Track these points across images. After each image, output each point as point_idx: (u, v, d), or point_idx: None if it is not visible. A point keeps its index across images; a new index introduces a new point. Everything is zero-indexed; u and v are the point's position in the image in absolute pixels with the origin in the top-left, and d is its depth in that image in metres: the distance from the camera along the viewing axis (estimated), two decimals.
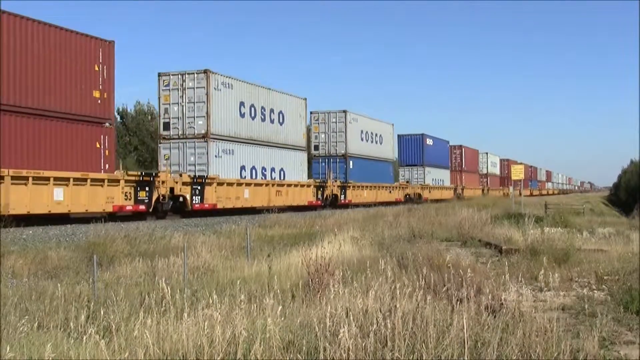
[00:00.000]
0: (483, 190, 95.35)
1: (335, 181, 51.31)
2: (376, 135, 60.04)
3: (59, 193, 25.61)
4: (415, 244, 18.85)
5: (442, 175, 79.47)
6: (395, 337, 7.22)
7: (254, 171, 40.30)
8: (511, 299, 9.96)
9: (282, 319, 8.22)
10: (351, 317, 7.68)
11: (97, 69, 28.42)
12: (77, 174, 26.44)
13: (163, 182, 31.85)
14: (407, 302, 8.61)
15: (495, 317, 8.88)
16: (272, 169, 42.47)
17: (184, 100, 35.97)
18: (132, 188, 29.74)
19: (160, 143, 37.09)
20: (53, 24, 26.52)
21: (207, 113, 35.64)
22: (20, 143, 24.66)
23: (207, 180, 34.81)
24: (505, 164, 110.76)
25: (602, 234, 25.07)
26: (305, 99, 47.80)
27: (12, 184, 23.54)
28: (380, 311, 8.07)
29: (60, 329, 8.83)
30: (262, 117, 41.16)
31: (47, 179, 25.05)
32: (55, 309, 9.82)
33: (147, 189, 30.72)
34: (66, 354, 7.41)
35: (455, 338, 7.37)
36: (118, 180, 28.71)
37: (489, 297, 9.86)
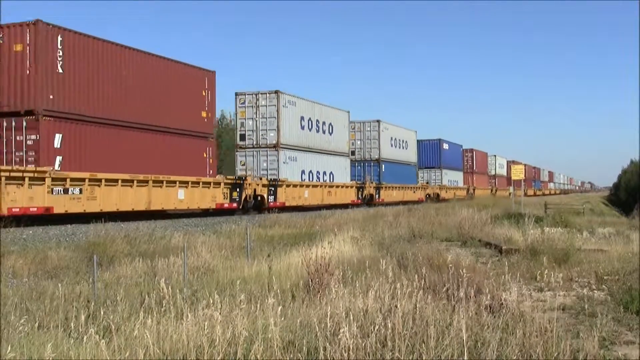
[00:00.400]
0: (492, 190, 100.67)
1: (372, 183, 58.80)
2: (403, 141, 68.09)
3: (181, 193, 32.96)
4: (415, 244, 18.86)
5: (457, 177, 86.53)
6: (395, 337, 7.22)
7: (311, 175, 47.81)
8: (511, 299, 9.96)
9: (282, 319, 8.23)
10: (351, 317, 7.68)
11: (203, 94, 36.36)
12: (193, 178, 33.88)
13: (249, 184, 39.11)
14: (407, 302, 8.61)
15: (495, 317, 8.89)
16: (324, 173, 50.08)
17: (257, 116, 43.18)
18: (228, 189, 37.23)
19: (237, 151, 44.08)
20: (172, 59, 34.19)
21: (277, 127, 42.84)
22: (152, 154, 31.60)
23: (279, 183, 42.07)
24: (512, 165, 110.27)
25: (602, 234, 25.06)
26: (348, 112, 55.47)
27: (152, 186, 30.64)
28: (380, 311, 8.08)
29: (60, 329, 8.83)
30: (317, 128, 48.84)
31: (175, 182, 32.36)
32: (56, 309, 9.82)
33: (237, 190, 38.10)
34: (66, 354, 7.41)
35: (455, 338, 7.38)
36: (219, 183, 36.31)
37: (489, 297, 9.87)
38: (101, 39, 29.39)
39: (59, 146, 26.46)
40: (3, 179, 23.37)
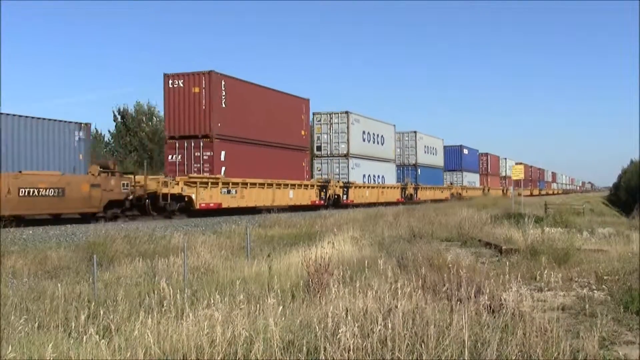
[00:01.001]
0: (503, 190, 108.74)
1: (411, 184, 69.24)
2: (433, 148, 78.06)
3: (291, 193, 44.02)
4: (415, 244, 18.83)
5: (474, 179, 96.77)
6: (395, 337, 7.23)
7: (369, 178, 57.82)
8: (511, 299, 9.96)
9: (282, 319, 8.23)
10: (351, 317, 7.69)
11: (302, 117, 47.42)
12: (298, 182, 45.20)
13: (332, 186, 50.11)
14: (406, 302, 8.62)
15: (495, 317, 8.89)
16: (378, 176, 60.20)
17: (330, 131, 53.54)
18: (318, 190, 48.28)
19: (314, 159, 53.39)
20: (283, 92, 44.81)
21: (347, 140, 53.16)
22: (273, 163, 41.85)
23: (349, 185, 52.69)
24: (512, 165, 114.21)
25: (602, 234, 25.05)
26: (394, 125, 65.53)
27: (275, 188, 41.73)
28: (380, 311, 8.08)
29: (60, 329, 8.84)
30: (373, 140, 58.82)
31: (287, 184, 43.37)
32: (56, 309, 9.82)
33: (324, 190, 49.09)
34: (66, 354, 7.41)
35: (455, 338, 7.39)
36: (313, 185, 47.89)
37: (489, 297, 9.87)
38: (245, 80, 39.74)
39: (223, 159, 36.88)
40: (198, 184, 34.42)
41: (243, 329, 7.48)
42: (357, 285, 10.02)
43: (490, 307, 9.50)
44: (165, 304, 9.31)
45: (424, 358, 7.00)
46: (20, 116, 27.05)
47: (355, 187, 53.99)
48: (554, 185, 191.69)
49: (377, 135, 60.04)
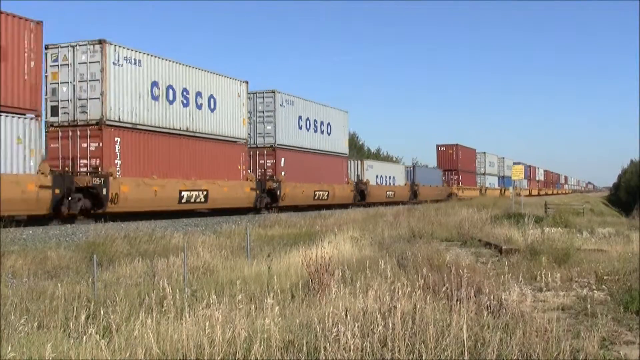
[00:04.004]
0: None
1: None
2: None
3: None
4: (415, 244, 18.84)
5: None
6: (395, 337, 7.23)
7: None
8: (511, 299, 9.96)
9: (282, 319, 8.23)
10: (351, 317, 7.69)
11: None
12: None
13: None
14: (406, 302, 8.62)
15: (495, 317, 8.89)
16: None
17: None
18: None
19: None
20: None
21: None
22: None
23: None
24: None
25: (602, 234, 25.06)
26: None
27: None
28: (380, 311, 8.08)
29: (60, 329, 8.82)
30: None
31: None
32: (55, 309, 9.81)
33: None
34: (66, 354, 7.40)
35: (455, 338, 7.38)
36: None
37: (489, 297, 9.87)
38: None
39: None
40: None
41: (243, 329, 7.48)
42: (357, 285, 10.02)
43: (490, 307, 9.50)
44: (165, 304, 9.31)
45: (423, 358, 7.00)
46: None
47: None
48: (566, 187, 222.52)
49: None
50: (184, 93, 34.09)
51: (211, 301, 8.60)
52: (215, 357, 7.03)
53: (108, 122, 28.62)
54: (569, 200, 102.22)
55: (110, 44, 29.07)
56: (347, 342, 6.90)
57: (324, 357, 6.93)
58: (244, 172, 38.25)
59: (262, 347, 7.12)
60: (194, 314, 8.39)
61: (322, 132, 48.96)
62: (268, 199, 40.80)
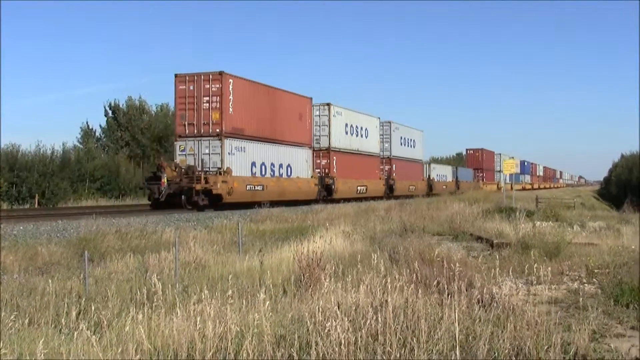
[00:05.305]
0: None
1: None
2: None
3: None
4: (407, 238, 18.86)
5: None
6: (386, 331, 7.24)
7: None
8: (502, 292, 9.99)
9: (274, 314, 8.23)
10: (343, 312, 7.69)
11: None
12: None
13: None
14: (398, 296, 8.63)
15: (486, 310, 8.91)
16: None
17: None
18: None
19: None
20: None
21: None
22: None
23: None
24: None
25: (592, 227, 25.13)
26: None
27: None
28: (372, 305, 8.09)
29: (51, 325, 8.81)
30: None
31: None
32: (46, 305, 9.79)
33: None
34: (57, 350, 7.39)
35: (447, 332, 7.40)
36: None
37: (480, 291, 9.89)
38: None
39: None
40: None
41: (234, 324, 7.48)
42: (349, 280, 10.02)
43: (482, 301, 9.52)
44: (156, 299, 9.29)
45: (415, 352, 7.01)
46: None
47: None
48: (561, 181, 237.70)
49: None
50: None
51: (203, 296, 8.59)
52: (207, 352, 7.03)
53: (332, 149, 50.15)
54: (561, 194, 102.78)
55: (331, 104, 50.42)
56: (338, 337, 6.90)
57: (315, 352, 6.93)
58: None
59: (253, 342, 7.12)
60: (186, 309, 8.38)
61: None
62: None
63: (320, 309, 7.80)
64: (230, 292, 8.75)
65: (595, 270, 14.20)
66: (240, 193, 36.54)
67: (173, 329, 7.50)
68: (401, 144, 68.19)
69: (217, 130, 35.53)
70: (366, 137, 57.50)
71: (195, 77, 36.04)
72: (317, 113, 49.14)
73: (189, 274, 13.52)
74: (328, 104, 49.95)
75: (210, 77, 35.87)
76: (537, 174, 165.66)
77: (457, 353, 7.03)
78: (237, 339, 7.28)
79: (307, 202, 42.65)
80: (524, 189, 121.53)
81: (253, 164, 38.75)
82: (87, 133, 68.81)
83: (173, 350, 7.24)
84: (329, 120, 49.65)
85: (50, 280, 11.09)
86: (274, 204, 36.89)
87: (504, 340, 7.40)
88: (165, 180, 33.85)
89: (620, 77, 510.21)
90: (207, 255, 16.13)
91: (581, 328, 8.06)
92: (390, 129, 65.07)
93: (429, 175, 79.42)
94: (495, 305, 9.28)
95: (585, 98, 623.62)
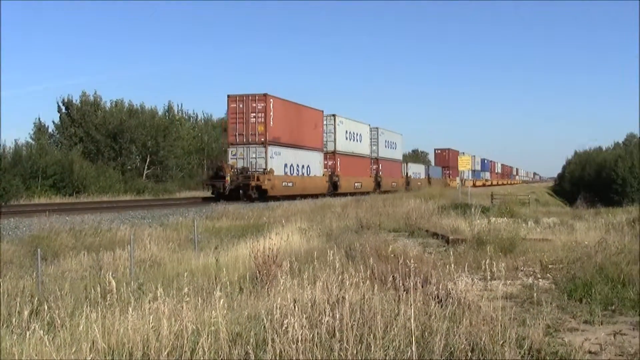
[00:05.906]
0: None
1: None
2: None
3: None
4: (363, 234, 18.91)
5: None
6: (343, 327, 7.23)
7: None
8: (458, 288, 10.05)
9: (230, 311, 8.17)
10: (299, 309, 7.67)
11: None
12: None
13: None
14: (354, 292, 8.64)
15: (442, 306, 8.95)
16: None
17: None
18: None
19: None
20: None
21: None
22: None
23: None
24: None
25: (546, 223, 25.47)
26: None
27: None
28: (328, 302, 8.08)
29: (2, 325, 8.65)
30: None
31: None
32: None
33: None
34: (9, 351, 7.25)
35: (403, 328, 7.42)
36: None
37: (437, 286, 9.94)
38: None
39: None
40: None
41: (190, 322, 7.42)
42: (305, 277, 10.00)
43: (438, 297, 9.57)
44: (110, 298, 9.17)
45: (372, 348, 7.02)
46: None
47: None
48: (517, 177, 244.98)
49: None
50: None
51: (158, 294, 8.50)
52: (162, 351, 6.96)
53: (337, 152, 59.61)
54: (516, 190, 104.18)
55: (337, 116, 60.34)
56: (295, 334, 6.88)
57: (272, 349, 6.90)
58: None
59: (209, 340, 7.07)
60: (141, 307, 8.29)
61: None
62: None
63: (277, 306, 7.76)
64: (186, 289, 8.66)
65: (550, 266, 14.38)
66: (279, 188, 45.49)
67: (128, 328, 7.40)
68: (386, 147, 76.63)
69: (262, 139, 44.32)
70: (360, 142, 66.78)
71: (244, 98, 44.75)
72: (326, 122, 58.12)
73: (145, 272, 13.42)
74: (334, 115, 59.72)
75: (257, 97, 44.68)
76: (496, 171, 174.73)
77: (414, 349, 7.05)
78: (193, 337, 7.22)
79: (318, 196, 48.93)
80: (484, 185, 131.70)
81: (285, 165, 47.71)
82: (40, 129, 67.77)
83: (128, 349, 7.15)
84: (335, 128, 59.49)
85: (1, 280, 10.90)
86: (297, 197, 44.63)
87: (459, 335, 7.44)
88: (229, 178, 42.06)
89: (574, 78, 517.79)
90: (162, 252, 16.02)
91: (535, 323, 8.16)
92: (378, 133, 73.27)
93: (407, 173, 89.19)
94: (451, 301, 9.32)
95: (542, 97, 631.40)
